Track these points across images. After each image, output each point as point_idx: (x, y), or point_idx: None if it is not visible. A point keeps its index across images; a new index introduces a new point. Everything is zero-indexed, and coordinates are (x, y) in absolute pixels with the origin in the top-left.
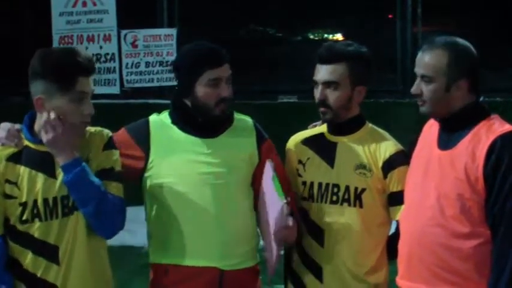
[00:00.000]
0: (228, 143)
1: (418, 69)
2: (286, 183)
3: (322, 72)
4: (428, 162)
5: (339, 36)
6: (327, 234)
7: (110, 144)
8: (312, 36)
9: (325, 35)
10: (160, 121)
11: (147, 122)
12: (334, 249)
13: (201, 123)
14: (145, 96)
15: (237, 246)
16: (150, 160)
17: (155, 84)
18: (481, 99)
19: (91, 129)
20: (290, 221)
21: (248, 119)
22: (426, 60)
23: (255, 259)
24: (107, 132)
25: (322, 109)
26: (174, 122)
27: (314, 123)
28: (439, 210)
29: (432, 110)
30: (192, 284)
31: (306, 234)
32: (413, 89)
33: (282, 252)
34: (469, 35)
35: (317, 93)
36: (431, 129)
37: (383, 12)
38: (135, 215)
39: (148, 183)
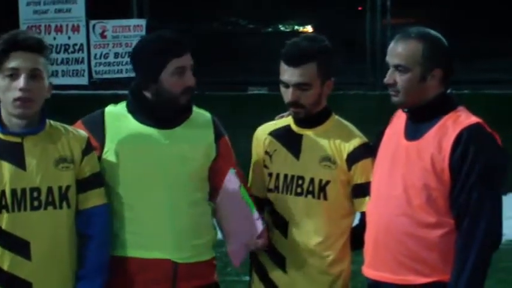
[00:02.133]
0: (184, 135)
1: (392, 59)
2: (241, 179)
3: (292, 74)
4: (395, 153)
5: (309, 28)
6: (291, 225)
7: (88, 148)
8: (283, 28)
9: (296, 27)
10: (116, 111)
11: (103, 113)
12: (298, 241)
13: (160, 114)
14: (115, 87)
15: (190, 238)
16: (104, 150)
17: (124, 75)
18: (449, 91)
19: (68, 129)
20: (263, 239)
21: (207, 114)
22: (401, 50)
23: (211, 253)
24: (84, 134)
25: (294, 109)
26: (131, 112)
27: (281, 115)
28: (406, 200)
29: (405, 100)
30: (146, 276)
31: (270, 225)
32: (387, 79)
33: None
34: (438, 27)
35: (287, 94)
36: (398, 120)
37: (353, 4)
38: None
39: (102, 173)
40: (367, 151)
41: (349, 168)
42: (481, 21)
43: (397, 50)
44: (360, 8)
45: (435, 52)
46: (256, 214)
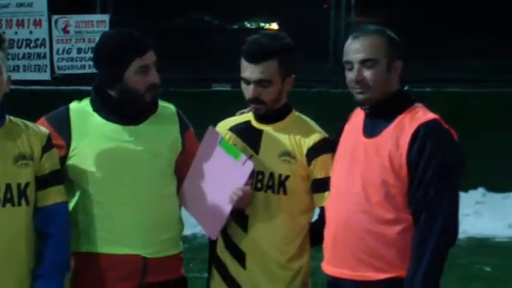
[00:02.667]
0: (150, 131)
1: (358, 56)
2: None
3: (253, 71)
4: (354, 150)
5: (274, 26)
6: (251, 220)
7: (49, 145)
8: (248, 25)
9: (262, 24)
10: (81, 108)
11: (67, 110)
12: (258, 236)
13: (125, 111)
14: (77, 83)
15: (160, 233)
16: (71, 148)
17: (87, 70)
18: (406, 88)
19: (28, 125)
20: (246, 179)
21: (171, 107)
22: (365, 45)
23: (179, 247)
24: (44, 131)
25: (256, 106)
26: (95, 109)
27: (241, 111)
28: (365, 197)
29: (374, 95)
30: (115, 272)
31: (230, 220)
32: (355, 76)
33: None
34: (402, 25)
35: (248, 90)
36: (357, 117)
37: (318, 2)
38: None
39: (69, 171)
40: (327, 146)
41: (309, 163)
42: (445, 20)
43: (361, 46)
44: (325, 6)
45: (395, 44)
46: (242, 158)
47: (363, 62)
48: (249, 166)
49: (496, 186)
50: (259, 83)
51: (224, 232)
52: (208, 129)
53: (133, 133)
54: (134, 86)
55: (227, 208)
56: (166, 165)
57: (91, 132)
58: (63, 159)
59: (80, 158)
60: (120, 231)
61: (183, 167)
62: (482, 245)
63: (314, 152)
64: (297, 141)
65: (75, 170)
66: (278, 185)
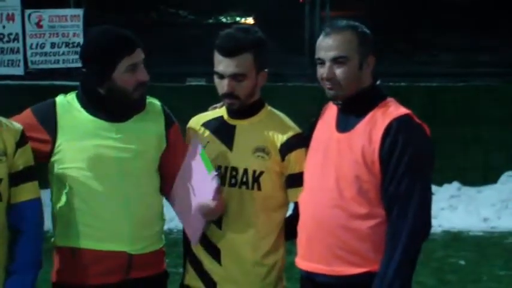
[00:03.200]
0: (136, 128)
1: (329, 53)
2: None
3: (228, 65)
4: (327, 145)
5: (250, 20)
6: (225, 217)
7: (23, 140)
8: (224, 20)
9: (237, 18)
10: (67, 103)
11: (54, 104)
12: (232, 232)
13: (113, 108)
14: (51, 78)
15: (145, 229)
16: (57, 144)
17: (61, 65)
18: (378, 82)
19: (2, 120)
20: (212, 193)
21: (157, 103)
22: (337, 42)
23: (162, 241)
24: (18, 126)
25: (230, 100)
26: (82, 105)
27: (214, 106)
28: (338, 192)
29: (344, 92)
30: (100, 267)
31: None
32: (326, 73)
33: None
34: (377, 20)
35: (222, 85)
36: (330, 112)
37: None
38: None
39: (55, 166)
40: (301, 141)
41: (283, 158)
42: (419, 14)
43: (333, 43)
44: (301, 1)
45: (367, 40)
46: (212, 173)
47: (334, 60)
48: (215, 183)
49: (470, 180)
50: (234, 77)
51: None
52: (192, 139)
53: (120, 130)
54: (123, 85)
55: (202, 220)
56: (151, 163)
57: (78, 128)
58: (48, 154)
59: (66, 153)
60: (106, 227)
61: (168, 163)
62: (457, 239)
63: (287, 148)
64: (271, 136)
65: (61, 166)
66: (252, 181)
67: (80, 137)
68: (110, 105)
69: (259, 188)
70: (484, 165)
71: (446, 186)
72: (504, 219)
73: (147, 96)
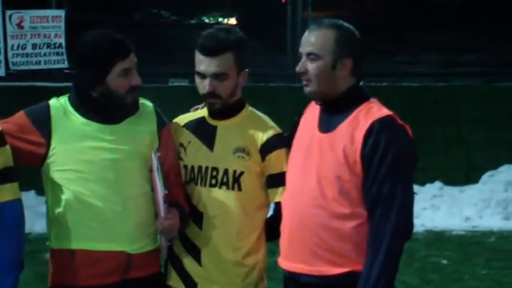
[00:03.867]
0: (130, 129)
1: (305, 48)
2: (174, 171)
3: (209, 64)
4: (309, 145)
5: (233, 21)
6: (206, 217)
7: (1, 141)
8: (206, 20)
9: (220, 19)
10: (61, 106)
11: (48, 107)
12: (213, 232)
13: (106, 111)
14: (33, 79)
15: (143, 229)
16: (52, 147)
17: (43, 66)
18: (361, 83)
19: None
20: (162, 212)
21: (149, 104)
22: (313, 38)
23: (157, 241)
24: None
25: (211, 100)
26: (75, 108)
27: (196, 107)
28: (320, 192)
29: (317, 89)
30: (99, 268)
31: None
32: (299, 67)
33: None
34: (359, 21)
35: (204, 85)
36: (312, 111)
37: None
38: None
39: (50, 169)
40: (281, 141)
41: (263, 158)
42: (402, 15)
43: (310, 39)
44: (283, 1)
45: (346, 41)
46: (164, 192)
47: (308, 55)
48: (164, 202)
49: (452, 179)
50: (215, 76)
51: (180, 229)
52: (152, 153)
53: (113, 132)
54: (116, 89)
55: (163, 242)
56: (146, 162)
57: (72, 130)
58: (43, 157)
59: (61, 156)
60: (105, 228)
61: (161, 161)
62: (439, 238)
63: (268, 148)
64: (251, 137)
65: (56, 168)
66: (233, 181)
67: (74, 139)
68: (103, 108)
69: (239, 188)
70: (466, 165)
71: (428, 186)
72: (486, 218)
73: (140, 98)
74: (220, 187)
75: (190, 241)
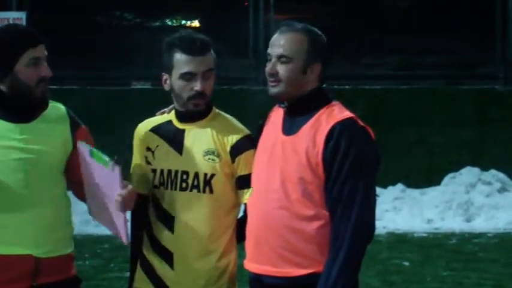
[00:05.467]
0: (41, 129)
1: (276, 50)
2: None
3: (200, 63)
4: (273, 147)
5: (196, 23)
6: (177, 221)
7: None
8: (169, 23)
9: (183, 22)
10: None
11: None
12: (184, 236)
13: (16, 107)
14: None
15: (51, 232)
16: None
17: None
18: (324, 85)
19: None
20: (119, 183)
21: (61, 106)
22: (285, 41)
23: (71, 247)
24: None
25: (199, 101)
26: None
27: (162, 110)
28: (284, 194)
29: (285, 90)
30: (5, 274)
31: (156, 221)
32: (269, 68)
33: (128, 217)
34: (321, 23)
35: (192, 85)
36: (276, 114)
37: (239, 0)
38: None
39: None
40: (250, 143)
41: (233, 160)
42: (365, 17)
43: (282, 41)
44: (246, 4)
45: (317, 47)
46: (110, 164)
47: (279, 57)
48: (117, 171)
49: (414, 182)
50: (205, 73)
51: (150, 233)
52: (78, 145)
53: (24, 131)
54: (25, 79)
55: (121, 214)
56: (56, 165)
57: None
58: None
59: None
60: (10, 231)
61: (75, 165)
62: (401, 240)
63: (237, 149)
64: (220, 139)
65: None
66: (204, 184)
67: None
68: (13, 103)
69: (211, 191)
70: (427, 167)
71: (390, 188)
72: (447, 220)
73: (51, 101)
74: (191, 190)
75: (161, 245)
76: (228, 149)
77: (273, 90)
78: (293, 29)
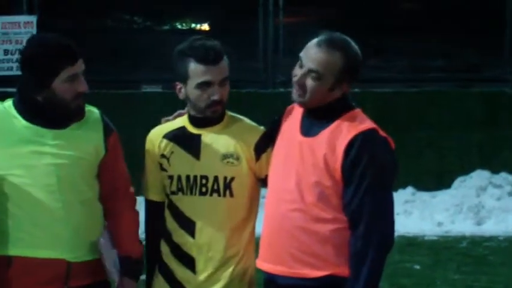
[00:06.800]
0: (75, 135)
1: (309, 63)
2: (124, 179)
3: (217, 72)
4: (289, 147)
5: (205, 27)
6: (198, 225)
7: None
8: (179, 26)
9: (193, 25)
10: (4, 110)
11: None
12: (206, 240)
13: (50, 115)
14: (4, 85)
15: (84, 237)
16: None
17: (14, 72)
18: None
19: None
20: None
21: (95, 111)
22: (322, 58)
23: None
24: None
25: (216, 108)
26: (19, 112)
27: (166, 118)
28: (299, 196)
29: (309, 102)
30: (36, 277)
31: (176, 227)
32: (298, 79)
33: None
34: (329, 26)
35: (210, 93)
36: (295, 113)
37: (247, 3)
38: None
39: None
40: (269, 140)
41: (258, 158)
42: (373, 20)
43: (318, 56)
44: (254, 7)
45: (351, 67)
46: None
47: (310, 71)
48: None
49: (424, 185)
50: (223, 82)
51: (169, 239)
52: (100, 240)
53: (57, 136)
54: (61, 95)
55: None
56: (89, 170)
57: (13, 134)
58: None
59: (2, 160)
60: (43, 234)
61: (106, 170)
62: (412, 243)
63: (261, 147)
64: (240, 140)
65: None
66: (224, 187)
67: (14, 143)
68: (47, 113)
69: (231, 194)
70: (437, 170)
71: (400, 191)
72: (458, 223)
73: (86, 105)
74: (211, 195)
75: (182, 251)
76: (252, 147)
77: (297, 98)
78: (332, 47)
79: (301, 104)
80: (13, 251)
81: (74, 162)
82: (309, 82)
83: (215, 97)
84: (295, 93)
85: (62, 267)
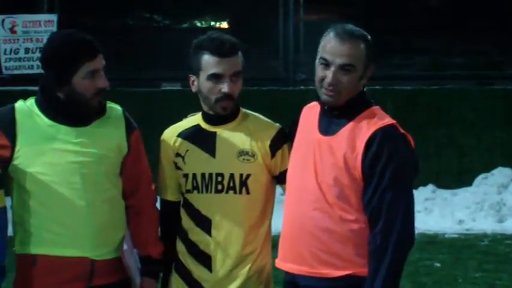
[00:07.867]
0: (97, 132)
1: (339, 59)
2: (146, 176)
3: (228, 65)
4: (308, 146)
5: (225, 24)
6: (214, 223)
7: None
8: (198, 24)
9: (212, 23)
10: (27, 109)
11: (13, 109)
12: (222, 238)
13: (72, 112)
14: (25, 83)
15: (107, 235)
16: (17, 149)
17: (35, 71)
18: (365, 89)
19: None
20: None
21: (118, 108)
22: (350, 50)
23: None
24: None
25: (227, 103)
26: (42, 110)
27: (192, 114)
28: (319, 195)
29: (343, 99)
30: (60, 276)
31: (192, 226)
32: (331, 79)
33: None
34: (352, 24)
35: (220, 86)
36: (311, 112)
37: (268, 0)
38: None
39: (15, 172)
40: (285, 136)
41: (273, 155)
42: (395, 18)
43: (345, 50)
44: (274, 4)
45: (372, 51)
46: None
47: (343, 66)
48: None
49: (445, 182)
50: (233, 75)
51: (185, 238)
52: (122, 249)
53: (80, 134)
54: (82, 90)
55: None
56: (112, 168)
57: (36, 132)
58: (8, 159)
59: (26, 159)
60: (67, 233)
61: (129, 167)
62: (432, 241)
63: (278, 143)
64: (255, 137)
65: (20, 171)
66: (240, 185)
67: (38, 141)
68: (69, 110)
69: (247, 192)
70: (458, 168)
71: (421, 189)
72: (479, 221)
73: (108, 102)
74: (227, 192)
75: (199, 249)
76: (268, 144)
77: (329, 99)
78: (354, 37)
79: (334, 104)
80: (37, 249)
81: (98, 160)
82: (343, 78)
83: (225, 89)
84: (326, 94)
85: (86, 266)
